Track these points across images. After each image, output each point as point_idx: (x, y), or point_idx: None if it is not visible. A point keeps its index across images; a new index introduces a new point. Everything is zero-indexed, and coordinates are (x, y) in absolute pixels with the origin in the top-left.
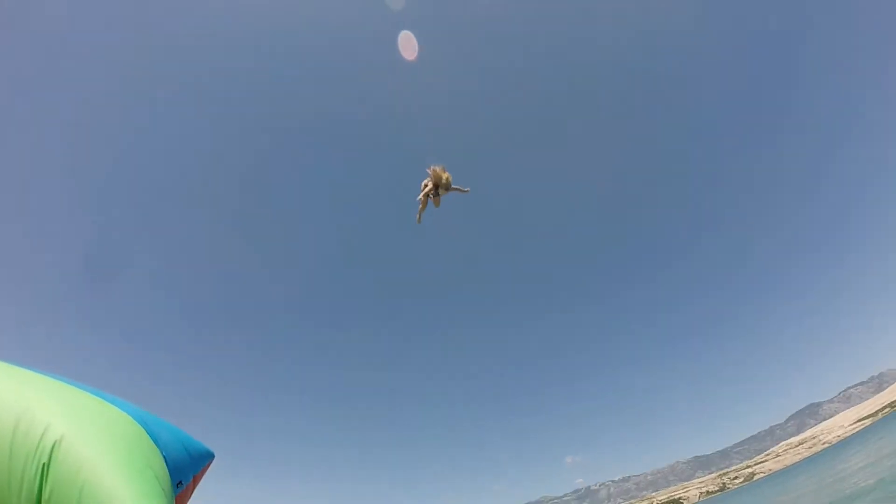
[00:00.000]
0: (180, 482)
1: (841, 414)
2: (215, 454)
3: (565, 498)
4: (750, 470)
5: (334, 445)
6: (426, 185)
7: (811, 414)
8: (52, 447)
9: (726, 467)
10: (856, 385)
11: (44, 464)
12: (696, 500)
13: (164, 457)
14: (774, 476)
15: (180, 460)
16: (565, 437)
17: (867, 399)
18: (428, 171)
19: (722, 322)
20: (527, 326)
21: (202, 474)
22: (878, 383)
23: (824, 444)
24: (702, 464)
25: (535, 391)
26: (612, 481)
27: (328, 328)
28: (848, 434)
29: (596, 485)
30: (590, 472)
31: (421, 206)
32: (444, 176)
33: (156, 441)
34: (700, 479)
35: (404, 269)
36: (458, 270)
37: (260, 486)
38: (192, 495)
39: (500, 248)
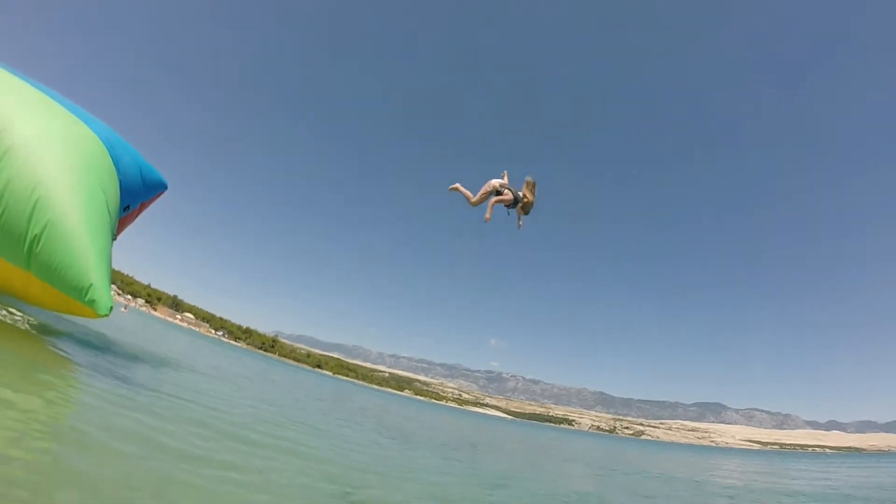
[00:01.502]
0: (128, 206)
1: (738, 426)
2: (168, 185)
3: (476, 373)
4: (641, 428)
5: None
6: (501, 191)
7: (714, 412)
8: (5, 153)
9: (623, 415)
10: (763, 411)
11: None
12: (586, 429)
13: (120, 180)
14: (658, 443)
15: (134, 186)
16: (499, 319)
17: (766, 428)
18: (528, 179)
19: (701, 286)
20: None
21: (151, 202)
22: (781, 421)
23: (711, 442)
24: (605, 401)
25: (493, 265)
26: (524, 378)
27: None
28: (734, 445)
29: (508, 374)
30: (507, 361)
31: (489, 207)
32: (531, 198)
33: (116, 164)
34: (597, 414)
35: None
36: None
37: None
38: (136, 220)
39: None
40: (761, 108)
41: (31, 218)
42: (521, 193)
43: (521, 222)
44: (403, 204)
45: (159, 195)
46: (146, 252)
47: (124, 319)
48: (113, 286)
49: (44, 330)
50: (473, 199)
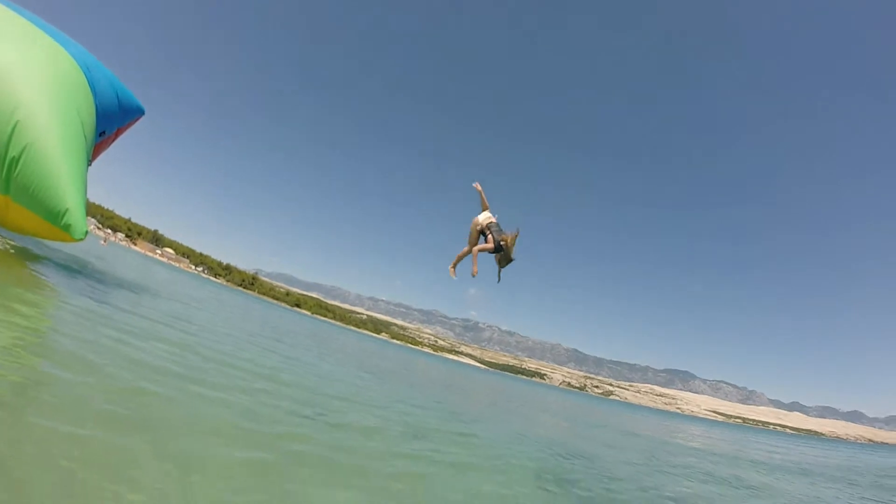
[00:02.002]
0: (104, 132)
1: (705, 396)
2: (145, 111)
3: (453, 321)
4: (610, 388)
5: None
6: (486, 233)
7: (683, 379)
8: None
9: (594, 374)
10: (730, 384)
11: None
12: (557, 385)
13: (96, 105)
14: (626, 404)
15: (110, 111)
16: (479, 269)
17: (731, 401)
18: (514, 233)
19: (683, 258)
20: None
21: (127, 128)
22: (746, 396)
23: (677, 408)
24: (578, 359)
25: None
26: (500, 328)
27: None
28: (699, 414)
29: (484, 324)
30: (484, 311)
31: (463, 255)
32: (510, 250)
33: (93, 88)
34: (569, 371)
35: None
36: None
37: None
38: (112, 145)
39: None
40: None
41: (9, 141)
42: (502, 238)
43: (499, 276)
44: (390, 148)
45: (136, 121)
46: (128, 186)
47: (104, 251)
48: (93, 220)
49: (24, 255)
50: (473, 249)
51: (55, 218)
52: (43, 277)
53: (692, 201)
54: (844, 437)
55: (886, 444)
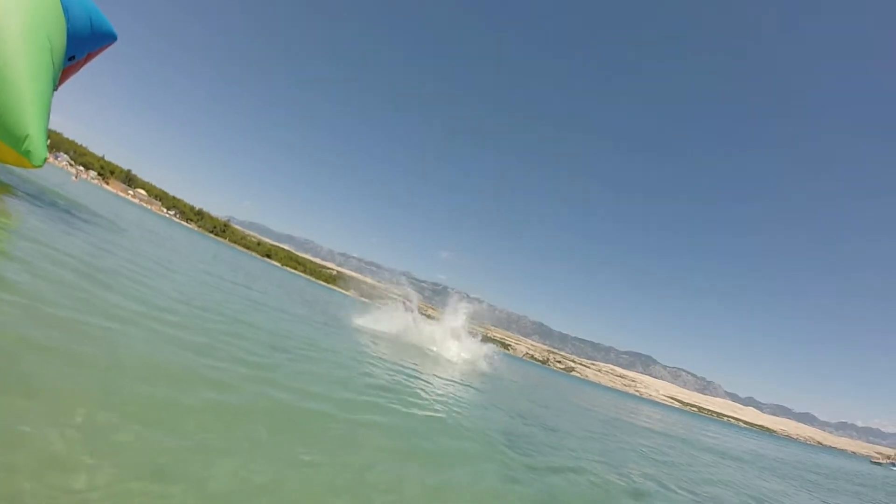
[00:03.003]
0: (73, 56)
1: (663, 382)
2: (118, 37)
3: (423, 284)
4: (573, 364)
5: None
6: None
7: (644, 363)
8: None
9: (558, 349)
10: (689, 372)
11: None
12: (520, 356)
13: (68, 28)
14: (586, 381)
15: (82, 35)
16: (452, 233)
17: (689, 389)
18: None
19: (654, 241)
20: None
21: (98, 53)
22: (704, 386)
23: (636, 391)
24: (543, 332)
25: (455, 178)
26: (468, 295)
27: None
28: (657, 399)
29: (453, 289)
30: (455, 276)
31: None
32: None
33: (66, 11)
34: (533, 343)
35: None
36: None
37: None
38: (81, 69)
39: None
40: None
41: None
42: None
43: None
44: (377, 103)
45: (107, 46)
46: (103, 123)
47: (74, 187)
48: (65, 155)
49: None
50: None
51: (16, 143)
52: (7, 205)
53: (670, 187)
54: (795, 437)
55: (834, 448)
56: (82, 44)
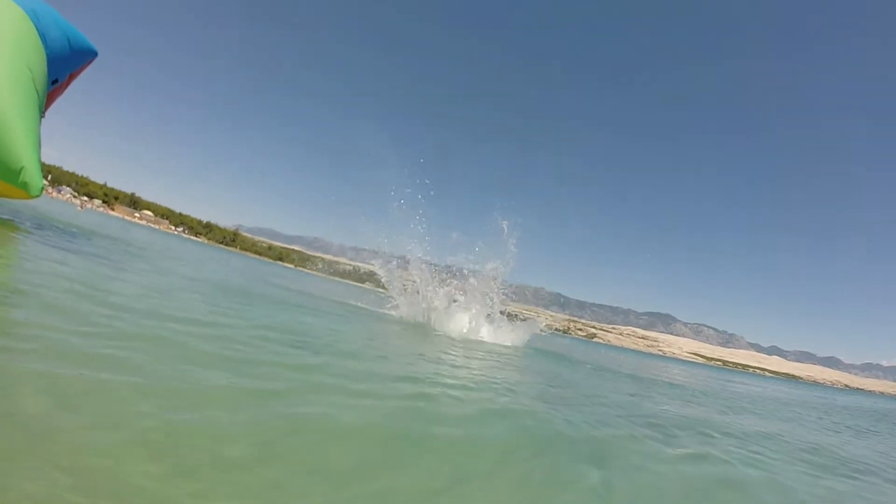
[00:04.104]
0: (56, 80)
1: (686, 339)
2: (98, 52)
3: (436, 267)
4: (594, 331)
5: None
6: None
7: (664, 322)
8: None
9: (577, 318)
10: (710, 327)
11: None
12: (541, 327)
13: (47, 53)
14: (609, 345)
15: (62, 56)
16: (461, 213)
17: (712, 344)
18: None
19: (664, 198)
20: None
21: (80, 71)
22: (727, 339)
23: (659, 350)
24: (561, 302)
25: (463, 154)
26: (483, 274)
27: None
28: (680, 356)
29: (467, 270)
30: (467, 255)
31: None
32: None
33: (42, 37)
34: (552, 314)
35: None
36: None
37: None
38: (66, 91)
39: None
40: None
41: None
42: None
43: None
44: (368, 103)
45: (89, 63)
46: (104, 150)
47: (80, 216)
48: (68, 188)
49: None
50: None
51: (13, 177)
52: (18, 235)
53: (679, 132)
54: (822, 381)
55: (861, 389)
56: (63, 65)
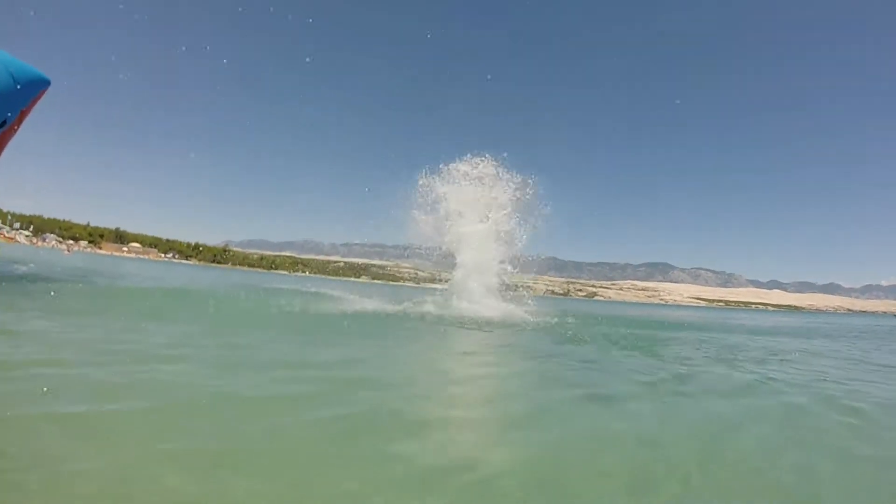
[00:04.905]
0: (4, 122)
1: (685, 285)
2: (50, 80)
3: (428, 251)
4: (593, 290)
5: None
6: None
7: (662, 271)
8: None
9: (576, 279)
10: (708, 270)
11: None
12: (541, 294)
13: None
14: (610, 302)
15: (6, 94)
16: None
17: (711, 286)
18: None
19: (646, 146)
20: None
21: (32, 106)
22: (726, 280)
23: (660, 300)
24: (557, 266)
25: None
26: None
27: None
28: (681, 302)
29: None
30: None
31: None
32: None
33: None
34: (550, 279)
35: None
36: None
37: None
38: (20, 129)
39: None
40: None
41: None
42: None
43: None
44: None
45: (41, 95)
46: (84, 190)
47: (69, 259)
48: (52, 235)
49: None
50: None
51: None
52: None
53: (656, 78)
54: (824, 309)
55: (865, 311)
56: (10, 103)
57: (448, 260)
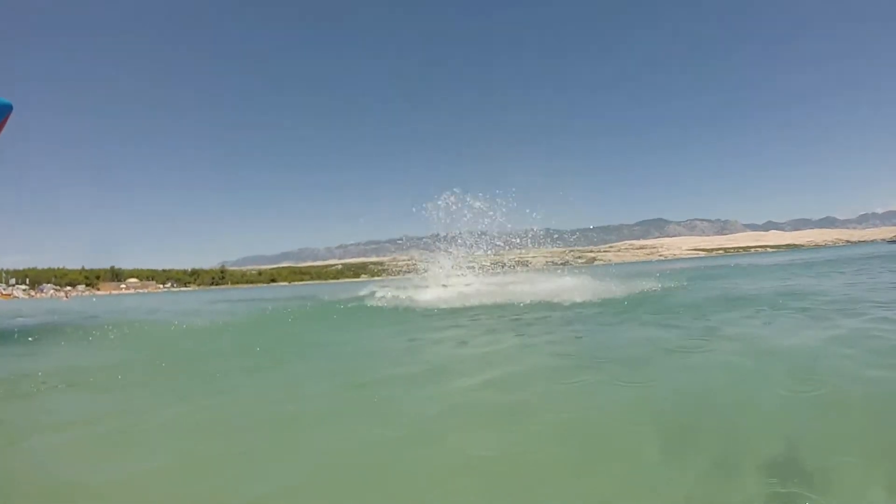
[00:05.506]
0: None
1: (682, 237)
2: (12, 104)
3: (425, 239)
4: (592, 255)
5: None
6: None
7: (658, 227)
8: None
9: (573, 246)
10: (704, 219)
11: None
12: (541, 266)
13: None
14: (611, 265)
15: None
16: (439, 179)
17: (708, 235)
18: None
19: (630, 104)
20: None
21: None
22: (722, 227)
23: (661, 256)
24: (553, 237)
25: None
26: (469, 231)
27: None
28: (682, 255)
29: (454, 232)
30: (450, 219)
31: None
32: None
33: None
34: (548, 250)
35: None
36: None
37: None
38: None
39: None
40: None
41: None
42: None
43: None
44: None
45: (4, 121)
46: (73, 235)
47: (69, 304)
48: (48, 285)
49: None
50: None
51: None
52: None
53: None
54: (822, 244)
55: (863, 241)
56: None
57: (443, 244)
